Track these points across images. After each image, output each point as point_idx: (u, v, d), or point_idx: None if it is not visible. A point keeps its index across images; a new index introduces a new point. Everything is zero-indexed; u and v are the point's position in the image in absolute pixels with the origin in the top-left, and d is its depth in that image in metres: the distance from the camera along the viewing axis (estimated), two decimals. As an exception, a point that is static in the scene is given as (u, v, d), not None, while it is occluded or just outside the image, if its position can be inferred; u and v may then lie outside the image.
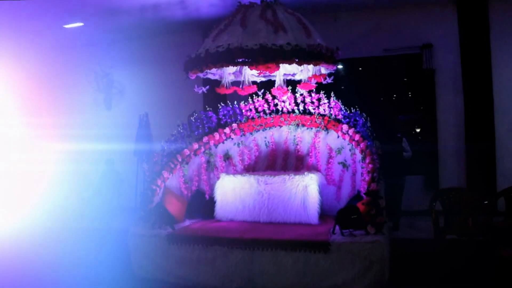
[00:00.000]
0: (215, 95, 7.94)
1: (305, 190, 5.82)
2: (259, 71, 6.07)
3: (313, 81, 5.91)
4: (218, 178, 6.53)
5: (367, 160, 5.48)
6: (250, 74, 6.44)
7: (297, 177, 5.91)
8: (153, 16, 9.26)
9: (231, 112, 6.84)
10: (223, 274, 5.15)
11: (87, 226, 8.11)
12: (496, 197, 6.20)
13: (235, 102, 6.93)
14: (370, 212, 4.98)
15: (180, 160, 6.34)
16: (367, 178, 5.29)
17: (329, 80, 5.96)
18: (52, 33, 9.63)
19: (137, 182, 10.27)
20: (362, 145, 5.78)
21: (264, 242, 5.11)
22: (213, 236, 5.35)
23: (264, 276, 5.03)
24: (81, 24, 9.42)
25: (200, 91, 6.07)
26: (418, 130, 9.55)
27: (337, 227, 5.16)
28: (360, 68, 9.58)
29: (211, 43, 5.45)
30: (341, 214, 5.18)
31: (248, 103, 6.83)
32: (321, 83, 6.00)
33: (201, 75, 5.98)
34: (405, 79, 9.22)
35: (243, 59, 5.19)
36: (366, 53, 9.26)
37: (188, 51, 9.94)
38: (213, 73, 6.27)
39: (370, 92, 9.18)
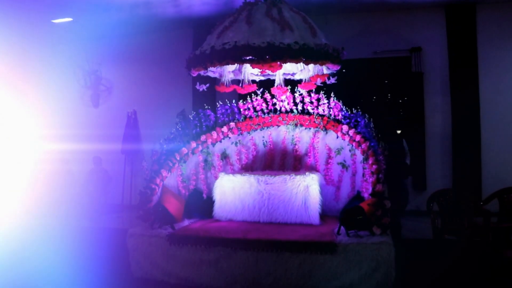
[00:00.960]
0: (205, 94, 7.72)
1: (306, 190, 5.66)
2: (261, 70, 5.88)
3: (319, 81, 5.75)
4: (216, 177, 6.32)
5: (370, 161, 5.35)
6: (250, 73, 6.24)
7: (298, 177, 5.74)
8: (144, 13, 8.97)
9: (229, 111, 6.62)
10: (227, 275, 4.94)
11: (76, 225, 7.78)
12: (490, 198, 6.15)
13: (233, 101, 6.72)
14: (376, 213, 4.85)
15: (178, 158, 6.10)
16: (371, 179, 5.16)
17: (332, 80, 5.81)
18: (40, 28, 9.23)
19: (124, 180, 10.00)
20: (363, 146, 5.65)
21: (269, 243, 4.92)
22: (216, 236, 5.13)
23: (269, 278, 4.85)
24: (70, 19, 9.05)
25: (201, 89, 5.84)
26: (399, 131, 9.49)
27: (342, 228, 5.03)
28: (344, 70, 9.42)
29: (215, 40, 5.22)
30: (346, 215, 5.05)
31: (247, 101, 6.63)
32: (323, 82, 5.86)
33: (202, 72, 5.74)
34: (394, 82, 9.14)
35: (250, 57, 4.98)
36: (356, 55, 9.16)
37: (178, 49, 9.89)
38: (213, 71, 6.03)
39: (359, 94, 9.10)
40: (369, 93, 9.26)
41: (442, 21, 8.79)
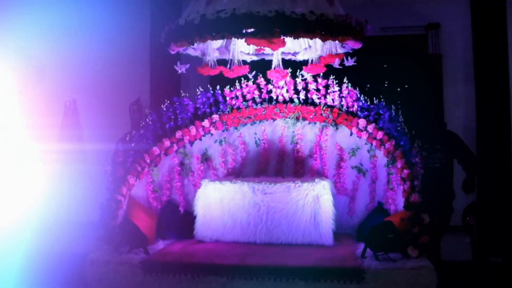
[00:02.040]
0: (165, 79, 7.52)
1: (316, 202, 5.57)
2: (258, 47, 5.71)
3: (337, 62, 5.62)
4: (195, 185, 6.20)
5: (399, 165, 5.28)
6: (240, 51, 6.04)
7: (305, 184, 5.63)
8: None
9: (211, 100, 6.41)
10: (222, 312, 4.77)
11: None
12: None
13: (218, 87, 6.50)
14: (412, 230, 4.78)
15: (148, 161, 5.85)
16: (403, 188, 5.10)
17: (351, 62, 5.69)
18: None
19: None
20: (388, 145, 5.59)
21: (275, 270, 4.80)
22: (206, 262, 4.95)
23: (277, 314, 4.72)
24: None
25: (181, 70, 5.63)
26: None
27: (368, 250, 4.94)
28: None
29: (205, 7, 5.00)
30: (373, 232, 4.95)
31: (235, 88, 6.45)
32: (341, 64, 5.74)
33: (182, 49, 5.52)
34: (406, 66, 9.12)
35: (253, 29, 4.79)
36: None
37: (132, 24, 9.55)
38: (194, 48, 5.80)
39: (364, 79, 9.04)
40: (376, 78, 9.19)
41: (465, -8, 8.86)
